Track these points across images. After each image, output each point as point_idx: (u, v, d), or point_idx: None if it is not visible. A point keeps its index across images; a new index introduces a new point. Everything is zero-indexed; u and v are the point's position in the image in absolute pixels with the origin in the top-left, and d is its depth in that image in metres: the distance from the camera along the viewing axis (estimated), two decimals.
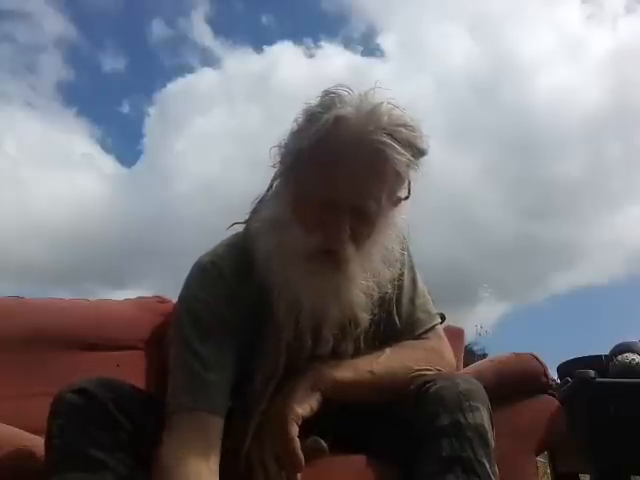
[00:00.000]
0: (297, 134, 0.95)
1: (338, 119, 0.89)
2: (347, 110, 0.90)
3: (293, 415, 0.91)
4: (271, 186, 1.01)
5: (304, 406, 0.92)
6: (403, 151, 0.89)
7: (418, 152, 0.92)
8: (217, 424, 0.90)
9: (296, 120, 0.95)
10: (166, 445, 0.86)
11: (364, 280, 0.96)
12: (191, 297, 0.98)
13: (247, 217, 1.04)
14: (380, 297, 1.01)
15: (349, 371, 0.98)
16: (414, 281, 1.09)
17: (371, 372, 0.98)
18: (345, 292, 0.94)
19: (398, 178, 0.93)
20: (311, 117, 0.92)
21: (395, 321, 1.06)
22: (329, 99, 0.92)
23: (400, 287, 1.06)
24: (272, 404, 0.94)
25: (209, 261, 1.00)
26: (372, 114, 0.89)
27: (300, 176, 0.94)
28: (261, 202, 1.02)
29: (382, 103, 0.90)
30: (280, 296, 0.95)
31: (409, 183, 0.96)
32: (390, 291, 1.03)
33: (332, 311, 0.95)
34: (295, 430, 0.90)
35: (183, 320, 0.97)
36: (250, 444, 0.93)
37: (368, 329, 1.02)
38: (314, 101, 0.94)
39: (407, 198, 0.98)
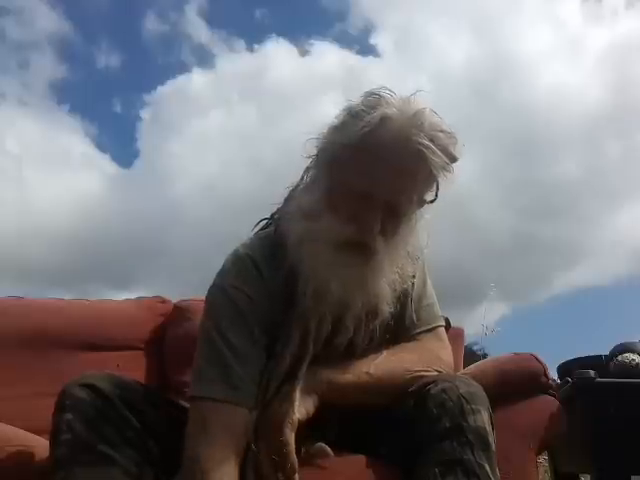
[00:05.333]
0: (340, 129, 0.98)
1: (384, 118, 0.94)
2: (392, 111, 0.95)
3: (289, 419, 0.91)
4: (304, 176, 1.04)
5: (300, 410, 0.92)
6: (441, 155, 0.93)
7: (451, 158, 0.96)
8: (244, 418, 0.92)
9: (338, 116, 1.00)
10: (194, 438, 0.89)
11: (391, 273, 0.99)
12: (230, 285, 1.00)
13: (279, 205, 1.07)
14: (401, 292, 1.04)
15: (347, 374, 0.98)
16: (425, 283, 1.12)
17: (369, 374, 0.99)
18: (372, 284, 0.97)
19: (431, 180, 0.97)
20: (356, 115, 0.96)
21: (411, 317, 1.08)
22: (373, 100, 0.97)
23: (412, 284, 1.08)
24: (268, 407, 0.94)
25: (245, 254, 1.03)
26: (415, 117, 0.94)
27: (340, 168, 0.97)
28: (294, 191, 1.05)
29: (425, 109, 0.95)
30: (309, 282, 0.97)
31: (437, 187, 1.00)
32: (408, 286, 1.06)
33: (357, 301, 0.98)
34: (291, 434, 0.90)
35: (220, 306, 0.99)
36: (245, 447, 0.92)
37: (381, 322, 1.03)
38: (356, 100, 0.99)
39: (433, 201, 1.01)
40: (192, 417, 0.91)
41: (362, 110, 0.96)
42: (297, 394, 0.93)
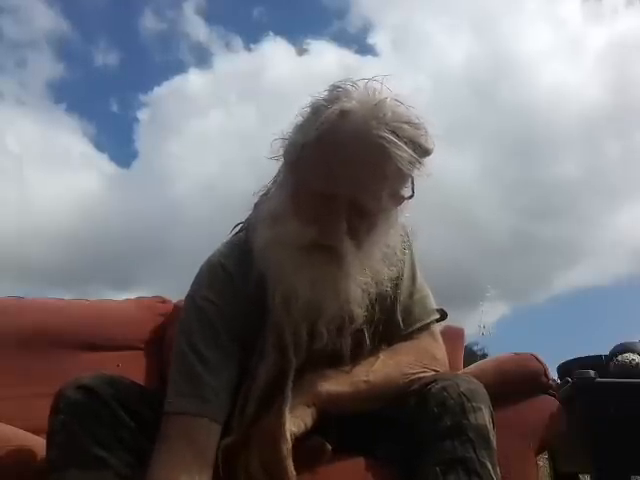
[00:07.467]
0: (301, 127, 0.93)
1: (342, 113, 0.88)
2: (352, 104, 0.89)
3: (286, 433, 0.89)
4: (275, 180, 1.01)
5: (298, 423, 0.91)
6: (406, 148, 0.87)
7: (422, 151, 0.90)
8: (213, 431, 0.89)
9: (301, 113, 0.94)
10: (157, 453, 0.86)
11: (361, 276, 0.94)
12: (201, 297, 0.98)
13: (249, 211, 1.04)
14: (379, 295, 1.00)
15: (344, 383, 0.96)
16: (414, 277, 1.08)
17: (367, 382, 0.97)
18: (341, 287, 0.93)
19: (400, 176, 0.91)
20: (316, 110, 0.91)
21: (398, 321, 1.05)
22: (335, 93, 0.91)
23: (400, 286, 1.05)
24: (264, 420, 0.93)
25: (217, 262, 1.01)
26: (376, 109, 0.88)
27: (302, 168, 0.92)
28: (263, 196, 1.02)
29: (387, 99, 0.89)
30: (276, 288, 0.94)
31: (413, 182, 0.94)
32: (390, 290, 1.02)
33: (328, 305, 0.93)
34: (287, 448, 0.88)
35: (191, 318, 0.97)
36: (238, 458, 0.91)
37: (368, 327, 1.01)
38: (321, 95, 0.93)
39: (411, 197, 0.96)
40: (160, 432, 0.88)
41: (323, 105, 0.90)
42: (288, 408, 0.91)
